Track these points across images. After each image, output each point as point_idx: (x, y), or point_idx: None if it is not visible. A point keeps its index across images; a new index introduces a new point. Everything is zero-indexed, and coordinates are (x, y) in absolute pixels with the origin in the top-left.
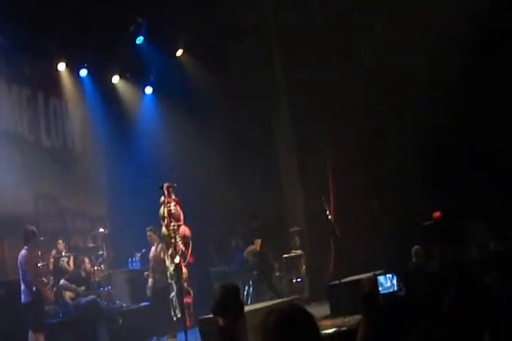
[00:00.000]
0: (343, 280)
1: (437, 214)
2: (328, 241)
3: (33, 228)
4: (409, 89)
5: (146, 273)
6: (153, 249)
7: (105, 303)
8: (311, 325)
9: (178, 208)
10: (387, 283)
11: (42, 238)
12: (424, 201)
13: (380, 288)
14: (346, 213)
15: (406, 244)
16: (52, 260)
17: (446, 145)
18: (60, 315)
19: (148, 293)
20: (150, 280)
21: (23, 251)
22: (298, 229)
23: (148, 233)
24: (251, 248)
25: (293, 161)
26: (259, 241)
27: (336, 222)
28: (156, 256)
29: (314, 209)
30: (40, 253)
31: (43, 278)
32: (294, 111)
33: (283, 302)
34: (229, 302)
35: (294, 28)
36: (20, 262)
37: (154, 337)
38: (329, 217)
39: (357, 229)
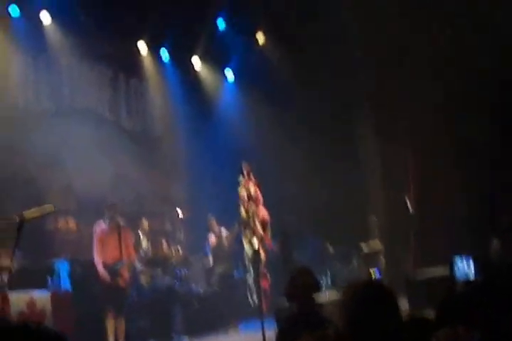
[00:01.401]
0: (422, 275)
1: None
2: (408, 233)
3: (113, 202)
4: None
5: (207, 263)
6: (212, 237)
7: (181, 286)
8: (389, 300)
9: (257, 190)
10: (464, 265)
11: (121, 219)
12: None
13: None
14: (428, 206)
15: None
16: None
17: None
18: (135, 298)
19: (215, 279)
20: (217, 267)
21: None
22: (377, 219)
23: (209, 221)
24: None
25: (374, 154)
26: None
27: (417, 214)
28: (221, 244)
29: (395, 202)
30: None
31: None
32: (376, 102)
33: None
34: (304, 287)
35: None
36: None
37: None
38: (410, 210)
39: (437, 220)
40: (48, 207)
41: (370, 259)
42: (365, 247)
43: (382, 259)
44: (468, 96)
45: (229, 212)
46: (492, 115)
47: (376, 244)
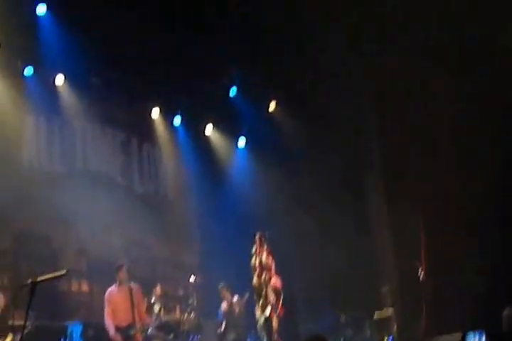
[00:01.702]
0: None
1: None
2: (420, 301)
3: (120, 263)
4: None
5: (219, 330)
6: (224, 305)
7: None
8: None
9: (270, 258)
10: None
11: (133, 283)
12: None
13: None
14: (438, 272)
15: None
16: (145, 305)
17: None
18: None
19: None
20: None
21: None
22: (389, 288)
23: (222, 290)
24: None
25: (385, 221)
26: None
27: (427, 281)
28: (232, 311)
29: (406, 268)
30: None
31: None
32: (386, 168)
33: None
34: None
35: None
36: None
37: None
38: (421, 276)
39: (448, 288)
40: (61, 272)
41: (383, 326)
42: (377, 314)
43: (394, 326)
44: (480, 164)
45: (241, 279)
46: (504, 180)
47: (388, 312)
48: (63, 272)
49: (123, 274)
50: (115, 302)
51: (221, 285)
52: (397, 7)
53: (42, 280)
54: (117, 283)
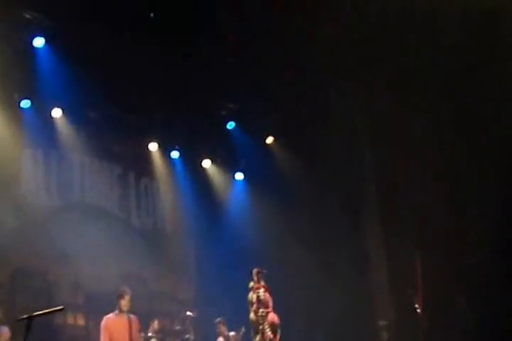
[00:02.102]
0: None
1: None
2: (417, 335)
3: (124, 289)
4: None
5: None
6: (221, 339)
7: None
8: None
9: (267, 294)
10: None
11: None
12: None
13: None
14: (434, 307)
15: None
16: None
17: None
18: None
19: None
20: None
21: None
22: (385, 323)
23: (218, 325)
24: None
25: (381, 254)
26: None
27: (424, 315)
28: None
29: (402, 302)
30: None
31: None
32: (382, 203)
33: None
34: None
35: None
36: None
37: None
38: (418, 310)
39: (445, 322)
40: (58, 307)
41: None
42: None
43: None
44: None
45: (238, 313)
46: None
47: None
48: (60, 308)
49: (125, 302)
50: (113, 331)
51: (218, 319)
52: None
53: (38, 315)
54: (117, 311)
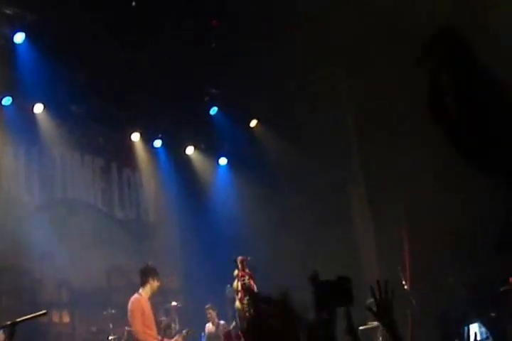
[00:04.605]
0: None
1: None
2: (405, 311)
3: (154, 266)
4: None
5: None
6: (209, 325)
7: None
8: None
9: (252, 282)
10: None
11: (113, 311)
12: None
13: None
14: (422, 282)
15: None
16: (125, 333)
17: None
18: None
19: None
20: None
21: (134, 296)
22: (373, 301)
23: (209, 311)
24: None
25: (369, 230)
26: None
27: (412, 291)
28: (213, 333)
29: (390, 279)
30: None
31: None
32: (369, 181)
33: None
34: None
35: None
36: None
37: None
38: (405, 286)
39: (433, 298)
40: (41, 312)
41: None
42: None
43: (379, 339)
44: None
45: (224, 303)
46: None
47: (373, 325)
48: (43, 312)
49: (157, 283)
50: (147, 313)
51: (207, 305)
52: None
53: (21, 321)
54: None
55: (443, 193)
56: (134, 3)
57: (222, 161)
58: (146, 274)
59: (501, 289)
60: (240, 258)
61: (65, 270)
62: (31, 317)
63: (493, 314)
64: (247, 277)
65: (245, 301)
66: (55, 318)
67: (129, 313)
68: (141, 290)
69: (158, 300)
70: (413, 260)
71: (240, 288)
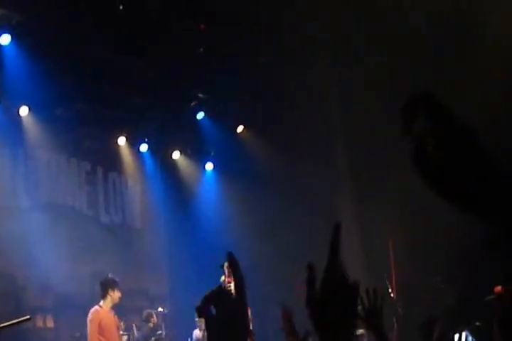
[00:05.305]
0: None
1: (498, 288)
2: (391, 319)
3: (113, 277)
4: None
5: None
6: (197, 332)
7: None
8: None
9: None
10: None
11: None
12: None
13: None
14: (408, 290)
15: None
16: None
17: None
18: None
19: None
20: None
21: (94, 307)
22: (360, 307)
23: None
24: None
25: (355, 238)
26: None
27: (398, 299)
28: (201, 340)
29: (376, 287)
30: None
31: None
32: (357, 189)
33: None
34: None
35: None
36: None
37: None
38: (392, 294)
39: (419, 305)
40: (24, 318)
41: None
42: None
43: None
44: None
45: None
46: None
47: (360, 332)
48: (26, 318)
49: (117, 294)
50: (106, 324)
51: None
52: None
53: (4, 327)
54: (105, 302)
55: (432, 200)
56: (121, 7)
57: (209, 166)
58: (105, 286)
59: (486, 298)
60: (226, 263)
61: (50, 275)
62: (15, 323)
63: (478, 323)
64: (233, 283)
65: None
66: (39, 323)
67: (87, 323)
68: (101, 303)
69: (144, 306)
70: (399, 268)
71: None
